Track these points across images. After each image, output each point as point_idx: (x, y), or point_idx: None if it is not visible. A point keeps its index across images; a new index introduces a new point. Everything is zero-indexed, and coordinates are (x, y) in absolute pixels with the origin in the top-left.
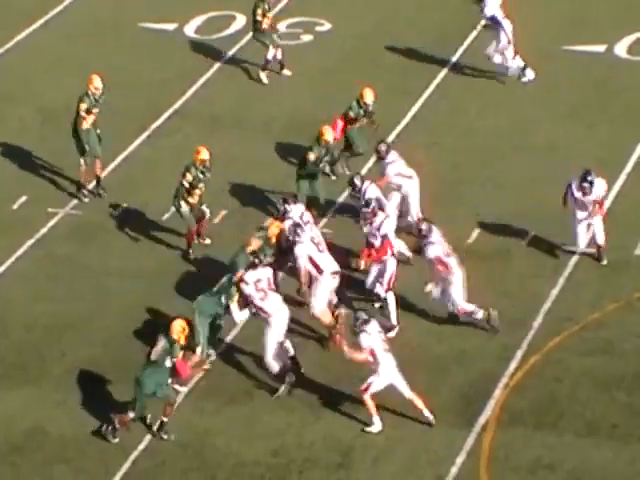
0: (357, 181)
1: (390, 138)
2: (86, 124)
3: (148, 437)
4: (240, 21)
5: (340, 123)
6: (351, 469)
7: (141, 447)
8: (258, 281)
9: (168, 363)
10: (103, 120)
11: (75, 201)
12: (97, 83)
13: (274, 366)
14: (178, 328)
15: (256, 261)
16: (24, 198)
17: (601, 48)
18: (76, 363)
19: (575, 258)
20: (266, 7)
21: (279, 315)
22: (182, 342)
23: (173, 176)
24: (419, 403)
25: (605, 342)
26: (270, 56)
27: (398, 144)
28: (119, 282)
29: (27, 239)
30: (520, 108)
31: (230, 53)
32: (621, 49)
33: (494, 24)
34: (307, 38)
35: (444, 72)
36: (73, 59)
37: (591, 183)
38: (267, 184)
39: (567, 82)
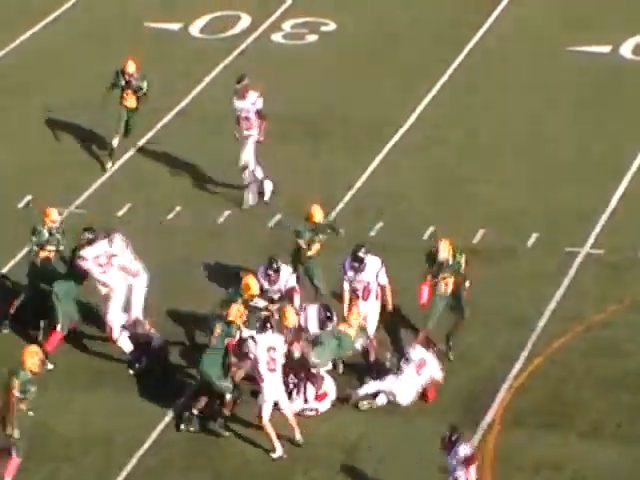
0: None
1: (395, 138)
2: (37, 260)
3: (154, 435)
4: (245, 21)
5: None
6: (355, 468)
7: (146, 445)
8: (97, 257)
9: (224, 343)
10: (108, 119)
11: (80, 200)
12: (54, 216)
13: (126, 344)
14: (235, 312)
15: (90, 236)
16: (29, 196)
17: (606, 49)
18: (81, 361)
19: (579, 259)
20: (122, 83)
21: (120, 289)
22: (239, 322)
23: (177, 176)
24: (294, 422)
25: (609, 342)
26: (115, 143)
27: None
28: None
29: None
30: (525, 108)
31: (235, 53)
32: (626, 50)
33: (257, 115)
34: (312, 38)
35: (449, 72)
36: (78, 58)
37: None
38: (275, 183)
39: (572, 83)
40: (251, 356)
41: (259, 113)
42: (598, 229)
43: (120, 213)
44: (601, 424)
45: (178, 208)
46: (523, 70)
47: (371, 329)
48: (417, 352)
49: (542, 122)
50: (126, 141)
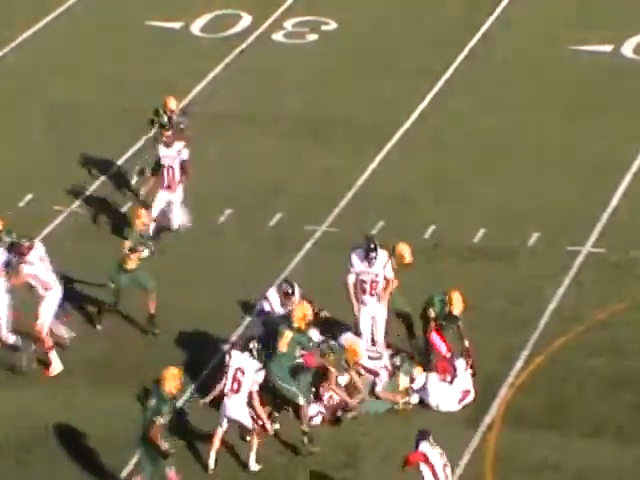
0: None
1: (396, 137)
2: (132, 264)
3: None
4: (246, 20)
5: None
6: (357, 468)
7: None
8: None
9: (297, 353)
10: (108, 119)
11: (81, 199)
12: (145, 219)
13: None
14: (300, 315)
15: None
16: (30, 196)
17: (608, 48)
18: (81, 361)
19: (581, 258)
20: (164, 120)
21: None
22: (304, 328)
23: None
24: (254, 445)
25: (611, 342)
26: (143, 192)
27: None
28: None
29: (33, 237)
30: (526, 108)
31: (236, 51)
32: (628, 49)
33: (180, 166)
34: (312, 37)
35: (450, 71)
36: (79, 57)
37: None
38: (272, 183)
39: (573, 82)
40: (225, 369)
41: (183, 164)
42: (599, 228)
43: (122, 210)
44: (602, 424)
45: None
46: (524, 70)
47: (381, 329)
48: (466, 380)
49: (543, 121)
50: (129, 137)
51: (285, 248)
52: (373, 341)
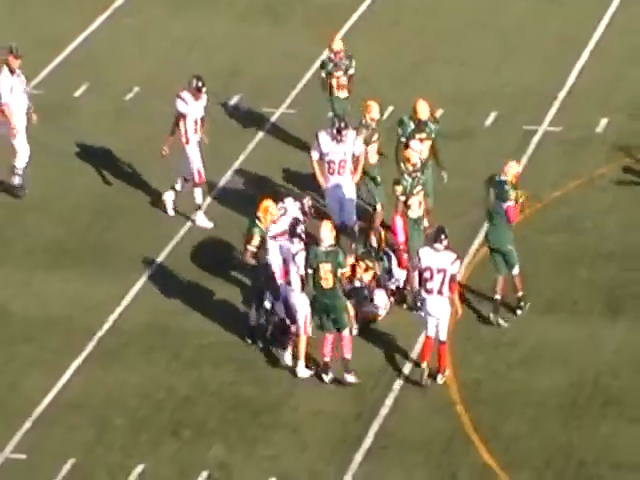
0: None
1: (354, 17)
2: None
3: (114, 316)
4: None
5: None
6: None
7: (106, 327)
8: None
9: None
10: None
11: (37, 80)
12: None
13: None
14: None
15: None
16: None
17: None
18: (39, 243)
19: (538, 136)
20: (329, 67)
21: None
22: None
23: (135, 56)
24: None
25: (567, 219)
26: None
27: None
28: (82, 162)
29: None
30: None
31: None
32: None
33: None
34: None
35: None
36: None
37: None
38: (230, 65)
39: None
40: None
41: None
42: (556, 107)
43: (77, 94)
44: (557, 300)
45: (136, 89)
46: None
47: (351, 208)
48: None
49: (500, 0)
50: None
51: (243, 130)
52: (342, 224)
